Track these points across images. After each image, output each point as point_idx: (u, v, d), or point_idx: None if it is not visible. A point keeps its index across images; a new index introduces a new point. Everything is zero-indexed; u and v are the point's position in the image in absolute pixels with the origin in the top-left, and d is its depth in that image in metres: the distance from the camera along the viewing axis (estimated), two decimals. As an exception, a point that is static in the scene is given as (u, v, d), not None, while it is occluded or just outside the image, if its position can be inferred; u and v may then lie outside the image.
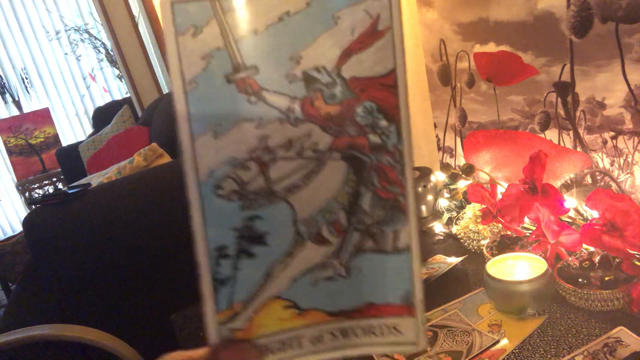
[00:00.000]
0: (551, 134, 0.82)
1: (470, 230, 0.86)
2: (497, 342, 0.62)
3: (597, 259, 0.66)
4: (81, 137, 4.40)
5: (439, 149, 1.10)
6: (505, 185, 0.79)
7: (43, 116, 4.18)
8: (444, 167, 0.97)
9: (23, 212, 4.25)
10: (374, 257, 0.20)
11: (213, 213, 0.19)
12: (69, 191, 1.30)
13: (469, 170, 0.90)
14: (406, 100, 0.19)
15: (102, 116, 3.65)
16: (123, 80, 4.11)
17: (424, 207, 1.01)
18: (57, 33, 4.42)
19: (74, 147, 3.38)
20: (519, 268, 0.69)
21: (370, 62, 0.19)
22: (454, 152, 1.06)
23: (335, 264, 0.20)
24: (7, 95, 4.31)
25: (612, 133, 0.73)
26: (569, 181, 0.81)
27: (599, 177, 0.77)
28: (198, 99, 0.19)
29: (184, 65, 0.18)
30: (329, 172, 0.19)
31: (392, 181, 0.19)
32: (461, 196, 0.93)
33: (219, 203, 0.19)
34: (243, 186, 0.19)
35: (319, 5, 0.18)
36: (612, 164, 0.74)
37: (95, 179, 1.85)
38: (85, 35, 4.43)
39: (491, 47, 0.86)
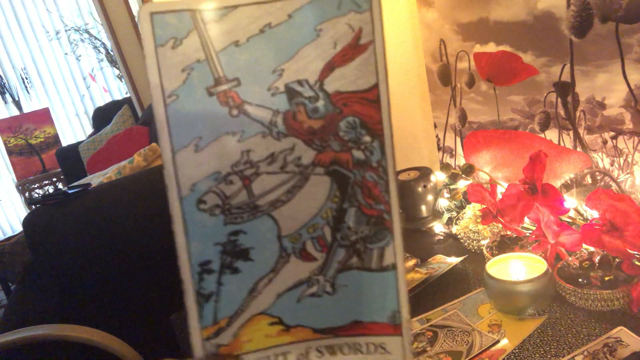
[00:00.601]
0: (551, 134, 0.82)
1: (470, 230, 0.86)
2: (497, 342, 0.62)
3: (597, 259, 0.66)
4: (81, 137, 4.40)
5: (439, 149, 1.10)
6: (505, 185, 0.79)
7: (43, 116, 4.18)
8: (444, 167, 0.97)
9: (23, 212, 4.25)
10: (359, 275, 0.20)
11: (196, 228, 0.19)
12: (69, 191, 1.30)
13: (469, 170, 0.90)
14: (389, 116, 0.19)
15: (102, 116, 3.65)
16: (123, 80, 4.11)
17: (424, 207, 1.01)
18: (57, 33, 4.42)
19: (74, 147, 3.38)
20: (519, 268, 0.69)
21: (352, 76, 0.18)
22: (454, 152, 1.06)
23: (320, 280, 0.20)
24: (7, 95, 4.31)
25: (612, 133, 0.73)
26: (569, 181, 0.81)
27: (599, 177, 0.77)
28: (178, 112, 0.18)
29: (164, 77, 0.18)
30: (312, 187, 0.19)
31: (376, 197, 0.19)
32: (461, 196, 0.93)
33: (202, 218, 0.19)
34: (226, 201, 0.19)
35: (300, 18, 0.18)
36: (612, 164, 0.74)
37: (95, 179, 1.85)
38: (85, 35, 4.43)
39: (491, 47, 0.86)
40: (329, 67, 0.19)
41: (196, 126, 0.18)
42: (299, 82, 0.18)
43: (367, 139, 0.19)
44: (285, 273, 0.19)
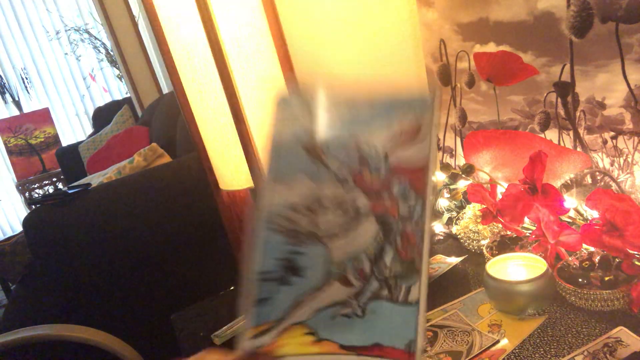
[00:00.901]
0: (551, 134, 0.82)
1: (470, 230, 0.86)
2: (497, 342, 0.62)
3: (597, 259, 0.66)
4: (81, 137, 4.40)
5: (439, 149, 1.10)
6: (505, 185, 0.79)
7: (43, 116, 4.18)
8: (444, 167, 0.97)
9: (23, 212, 4.25)
10: (387, 305, 0.24)
11: (263, 242, 0.23)
12: (69, 191, 1.30)
13: (469, 170, 0.90)
14: (431, 185, 0.25)
15: (102, 116, 3.65)
16: (123, 80, 4.11)
17: (424, 207, 1.01)
18: (57, 33, 4.42)
19: (74, 147, 3.38)
20: (519, 268, 0.69)
21: (409, 152, 0.24)
22: (454, 152, 1.06)
23: (354, 304, 0.24)
24: (7, 95, 4.31)
25: (612, 133, 0.73)
26: (569, 181, 0.81)
27: (599, 177, 0.77)
28: (276, 155, 0.24)
29: (274, 130, 0.24)
30: (363, 229, 0.24)
31: (412, 245, 0.24)
32: (461, 196, 0.93)
33: (269, 235, 0.24)
34: (292, 226, 0.24)
35: (378, 104, 0.24)
36: (612, 164, 0.74)
37: (95, 179, 1.85)
38: (85, 35, 4.43)
39: (491, 47, 0.86)
40: (392, 141, 0.24)
41: (286, 165, 0.24)
42: (369, 147, 0.24)
43: (413, 200, 0.24)
44: (326, 293, 0.24)
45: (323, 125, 0.24)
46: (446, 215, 0.98)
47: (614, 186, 0.75)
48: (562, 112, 0.79)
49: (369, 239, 0.23)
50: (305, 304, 0.23)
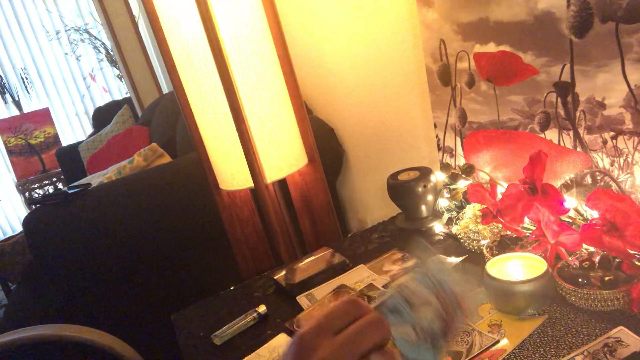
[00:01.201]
0: (551, 134, 0.82)
1: (470, 230, 0.86)
2: (497, 342, 0.62)
3: (597, 259, 0.66)
4: (81, 137, 4.40)
5: (439, 149, 1.10)
6: (505, 185, 0.79)
7: (43, 116, 4.18)
8: (444, 167, 0.97)
9: (23, 212, 4.25)
10: (428, 350, 0.43)
11: (392, 295, 0.44)
12: (69, 191, 1.30)
13: (469, 170, 0.90)
14: (466, 306, 0.45)
15: (102, 116, 3.65)
16: (123, 80, 4.11)
17: (424, 207, 1.01)
18: (57, 33, 4.42)
19: (74, 147, 3.38)
20: (519, 268, 0.69)
21: (461, 294, 0.45)
22: (454, 152, 1.06)
23: (416, 343, 0.43)
24: (7, 95, 4.31)
25: (612, 133, 0.73)
26: (569, 181, 0.81)
27: (599, 177, 0.77)
28: (414, 280, 0.45)
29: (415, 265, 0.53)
30: (433, 314, 0.43)
31: (450, 325, 0.44)
32: (461, 196, 0.93)
33: (395, 294, 0.44)
34: (402, 295, 0.44)
35: (451, 275, 0.45)
36: (612, 164, 0.74)
37: (95, 179, 1.85)
38: (85, 35, 4.43)
39: (491, 47, 0.86)
40: (456, 286, 0.45)
41: (415, 281, 0.45)
42: (446, 286, 0.45)
43: (457, 309, 0.44)
44: (407, 331, 0.43)
45: (430, 269, 0.46)
46: (446, 215, 0.98)
47: (614, 186, 0.75)
48: (562, 112, 0.79)
49: (434, 319, 0.44)
50: (396, 331, 0.42)
